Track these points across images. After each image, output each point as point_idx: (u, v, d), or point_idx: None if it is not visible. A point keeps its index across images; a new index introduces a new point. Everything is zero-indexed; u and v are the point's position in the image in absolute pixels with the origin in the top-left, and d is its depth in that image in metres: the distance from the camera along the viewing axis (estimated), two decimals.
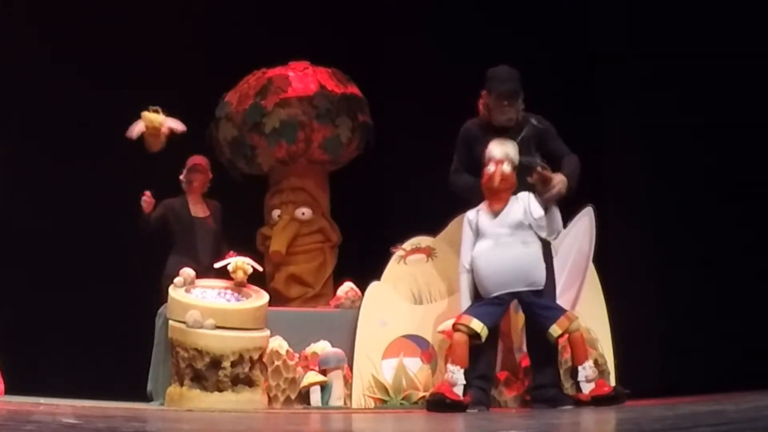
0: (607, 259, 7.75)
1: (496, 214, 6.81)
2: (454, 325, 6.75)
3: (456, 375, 6.59)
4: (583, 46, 9.49)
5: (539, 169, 6.76)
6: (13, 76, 9.25)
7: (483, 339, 6.67)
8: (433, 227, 7.93)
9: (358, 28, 9.54)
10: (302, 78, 8.75)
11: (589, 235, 7.32)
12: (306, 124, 8.62)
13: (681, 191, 8.95)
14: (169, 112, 9.20)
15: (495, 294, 6.73)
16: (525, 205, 6.81)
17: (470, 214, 6.90)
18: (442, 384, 6.72)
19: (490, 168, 6.80)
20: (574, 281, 7.33)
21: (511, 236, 6.77)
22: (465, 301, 6.83)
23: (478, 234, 6.85)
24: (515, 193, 6.84)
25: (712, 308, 8.78)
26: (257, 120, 8.60)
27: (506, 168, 6.77)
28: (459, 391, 6.58)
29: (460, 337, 6.67)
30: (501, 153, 6.79)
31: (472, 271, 6.82)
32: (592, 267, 7.46)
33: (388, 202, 9.69)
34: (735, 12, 8.71)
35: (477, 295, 6.81)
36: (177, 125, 8.07)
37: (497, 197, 6.81)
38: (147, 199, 8.24)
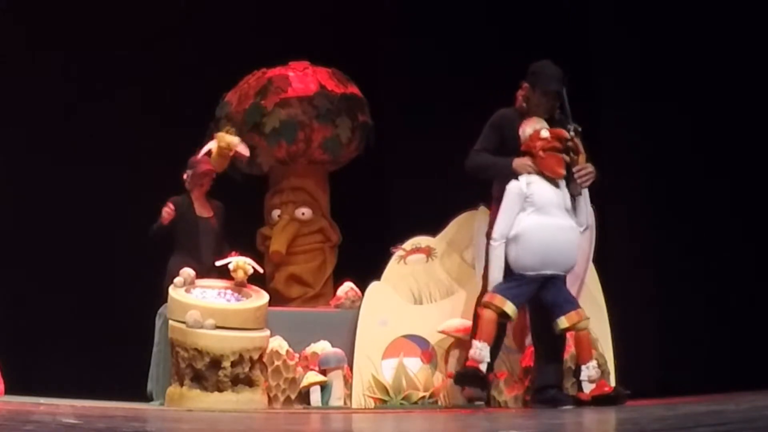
0: (607, 259, 7.75)
1: (558, 179, 6.70)
2: (485, 302, 6.65)
3: (483, 352, 6.57)
4: (583, 45, 9.49)
5: (572, 133, 6.70)
6: (13, 77, 9.25)
7: (513, 320, 6.70)
8: (433, 227, 7.93)
9: (358, 28, 9.54)
10: (302, 78, 8.75)
11: (589, 235, 7.31)
12: (306, 124, 8.62)
13: (681, 191, 8.95)
14: (170, 112, 9.25)
15: (534, 273, 6.64)
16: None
17: (520, 183, 6.73)
18: (469, 359, 6.67)
19: (544, 132, 6.72)
20: (574, 281, 7.32)
21: (562, 218, 6.72)
22: (497, 273, 6.67)
23: (525, 206, 6.69)
24: None
25: (712, 308, 8.78)
26: (257, 120, 8.60)
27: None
28: (484, 368, 6.59)
29: (490, 315, 6.61)
30: (546, 124, 6.76)
31: (507, 243, 6.68)
32: (592, 267, 7.46)
33: (388, 202, 9.69)
34: (735, 12, 8.72)
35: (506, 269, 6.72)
36: (244, 150, 8.20)
37: (559, 160, 6.70)
38: (170, 211, 8.20)
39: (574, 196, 6.84)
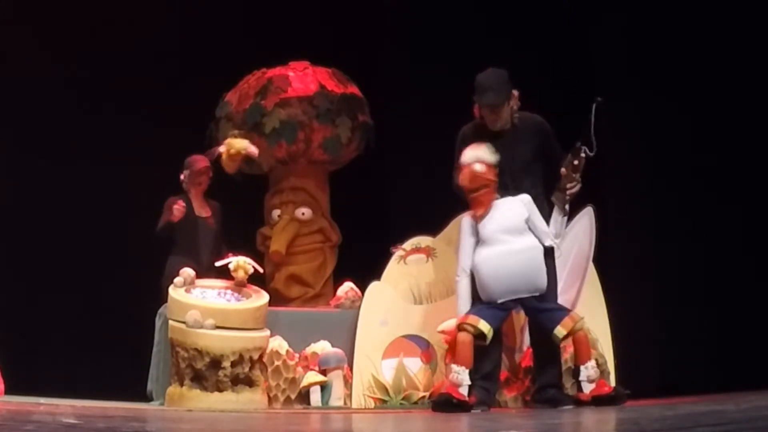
0: (607, 259, 7.75)
1: (480, 218, 6.72)
2: (459, 325, 6.67)
3: (461, 375, 6.55)
4: (583, 46, 9.49)
5: (583, 154, 6.60)
6: (13, 77, 9.25)
7: (488, 341, 6.65)
8: (433, 227, 7.93)
9: (358, 28, 9.54)
10: (302, 78, 8.75)
11: (589, 235, 7.31)
12: (306, 124, 8.62)
13: (681, 191, 8.95)
14: (170, 112, 9.24)
15: (500, 301, 6.66)
16: (528, 210, 6.76)
17: (470, 217, 6.81)
18: (447, 384, 6.70)
19: (478, 167, 6.70)
20: (574, 281, 7.33)
21: (513, 242, 6.68)
22: (464, 305, 6.72)
23: (477, 238, 6.75)
24: (517, 194, 6.80)
25: (712, 308, 8.78)
26: (257, 120, 8.60)
27: (477, 167, 6.67)
28: (464, 391, 6.55)
29: (466, 338, 6.59)
30: (470, 157, 6.70)
31: (471, 275, 6.75)
32: (592, 267, 7.45)
33: (388, 202, 9.69)
34: (734, 13, 8.72)
35: (476, 299, 6.75)
36: (253, 150, 8.22)
37: (475, 201, 6.72)
38: (181, 208, 8.19)
39: (556, 207, 6.80)
